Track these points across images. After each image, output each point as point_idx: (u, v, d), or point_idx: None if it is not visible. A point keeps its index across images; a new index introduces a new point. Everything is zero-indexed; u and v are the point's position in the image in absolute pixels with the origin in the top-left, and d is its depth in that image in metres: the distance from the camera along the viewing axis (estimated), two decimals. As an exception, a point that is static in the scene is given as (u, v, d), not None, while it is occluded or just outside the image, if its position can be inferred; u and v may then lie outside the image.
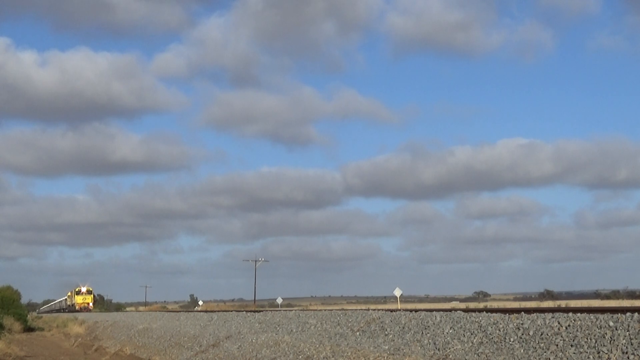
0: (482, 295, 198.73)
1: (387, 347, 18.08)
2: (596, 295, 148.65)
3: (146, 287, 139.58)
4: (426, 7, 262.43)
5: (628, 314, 13.71)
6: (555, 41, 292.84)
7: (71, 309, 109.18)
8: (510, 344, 15.00)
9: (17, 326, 50.58)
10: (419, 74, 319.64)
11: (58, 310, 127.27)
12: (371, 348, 18.41)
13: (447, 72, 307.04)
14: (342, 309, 27.91)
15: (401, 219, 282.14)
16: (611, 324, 13.48)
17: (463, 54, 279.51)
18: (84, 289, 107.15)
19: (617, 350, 12.69)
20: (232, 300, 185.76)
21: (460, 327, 17.11)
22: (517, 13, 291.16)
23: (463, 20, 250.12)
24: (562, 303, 73.23)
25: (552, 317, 15.03)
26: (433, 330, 17.85)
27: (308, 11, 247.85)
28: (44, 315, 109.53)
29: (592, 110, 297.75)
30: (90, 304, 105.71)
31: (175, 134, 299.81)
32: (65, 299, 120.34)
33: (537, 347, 14.29)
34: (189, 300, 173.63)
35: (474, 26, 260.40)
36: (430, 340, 17.33)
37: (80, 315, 74.90)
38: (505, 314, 16.82)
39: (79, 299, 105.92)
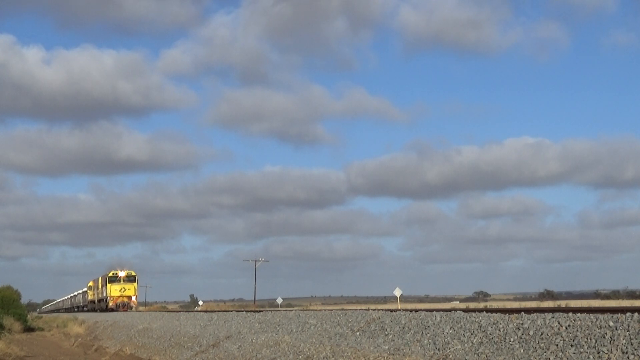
0: (482, 295, 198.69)
1: (387, 347, 18.08)
2: (596, 295, 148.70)
3: (146, 287, 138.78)
4: (439, 4, 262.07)
5: (628, 314, 13.70)
6: (570, 39, 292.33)
7: (97, 306, 76.03)
8: (510, 344, 15.00)
9: (17, 326, 50.55)
10: (429, 73, 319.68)
11: (69, 309, 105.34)
12: (371, 348, 18.40)
13: (458, 71, 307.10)
14: (342, 309, 27.89)
15: (405, 218, 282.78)
16: (611, 324, 13.48)
17: (476, 52, 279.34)
18: (122, 274, 69.64)
19: (617, 350, 12.68)
20: (232, 300, 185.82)
21: (460, 327, 17.11)
22: (531, 11, 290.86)
23: (476, 18, 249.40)
24: (562, 303, 73.21)
25: (552, 317, 15.03)
26: (433, 330, 17.84)
27: (320, 8, 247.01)
28: (44, 315, 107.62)
29: (603, 109, 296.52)
30: (133, 299, 69.62)
31: (182, 132, 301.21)
32: (85, 291, 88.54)
33: (537, 347, 14.28)
34: (189, 300, 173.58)
35: (487, 24, 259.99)
36: (430, 340, 17.33)
37: (80, 315, 73.25)
38: (505, 314, 16.81)
39: (114, 291, 68.70)
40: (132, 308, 68.51)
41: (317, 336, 21.90)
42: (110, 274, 69.90)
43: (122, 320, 49.97)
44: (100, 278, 74.87)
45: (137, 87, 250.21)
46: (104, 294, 71.03)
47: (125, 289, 69.14)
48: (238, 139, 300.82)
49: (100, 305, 73.62)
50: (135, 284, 70.24)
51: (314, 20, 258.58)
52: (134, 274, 70.77)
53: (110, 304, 68.51)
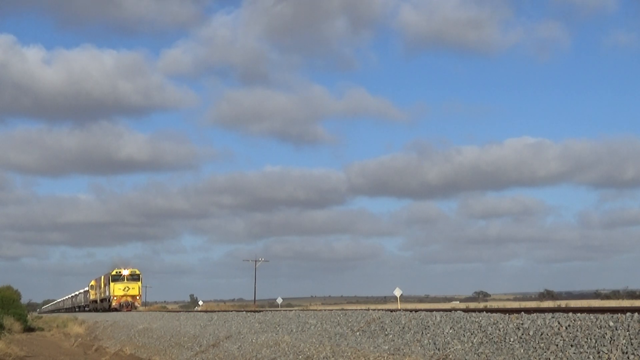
0: (482, 295, 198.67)
1: (387, 347, 18.07)
2: (596, 295, 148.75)
3: (146, 287, 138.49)
4: (440, 4, 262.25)
5: (628, 314, 13.70)
6: (571, 39, 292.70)
7: (99, 306, 73.61)
8: (510, 344, 14.99)
9: (17, 326, 50.54)
10: (429, 72, 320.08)
11: (70, 309, 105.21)
12: (371, 348, 18.40)
13: (458, 71, 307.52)
14: (342, 309, 27.88)
15: (405, 218, 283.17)
16: (611, 324, 13.48)
17: (476, 52, 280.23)
18: (125, 272, 66.38)
19: (617, 350, 12.68)
20: (232, 300, 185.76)
21: (460, 327, 17.11)
22: (532, 11, 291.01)
23: (477, 18, 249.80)
24: (562, 303, 73.18)
25: (552, 317, 15.03)
26: (433, 330, 17.84)
27: (320, 7, 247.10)
28: (44, 315, 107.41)
29: (603, 109, 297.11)
30: (137, 298, 66.67)
31: (182, 132, 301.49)
32: (87, 290, 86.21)
33: (537, 347, 14.28)
34: (189, 300, 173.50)
35: (488, 24, 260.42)
36: (430, 340, 17.33)
37: (80, 315, 73.24)
38: (505, 314, 16.81)
39: (117, 290, 65.75)
40: (136, 308, 65.40)
41: (317, 336, 21.89)
42: (114, 273, 66.70)
43: (122, 320, 49.96)
44: (102, 277, 71.93)
45: (137, 87, 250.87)
46: (107, 293, 68.19)
47: (129, 288, 65.97)
48: (238, 139, 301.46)
49: (103, 305, 71.02)
50: (139, 283, 67.00)
51: (314, 20, 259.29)
52: (138, 272, 67.24)
53: (114, 303, 65.70)
